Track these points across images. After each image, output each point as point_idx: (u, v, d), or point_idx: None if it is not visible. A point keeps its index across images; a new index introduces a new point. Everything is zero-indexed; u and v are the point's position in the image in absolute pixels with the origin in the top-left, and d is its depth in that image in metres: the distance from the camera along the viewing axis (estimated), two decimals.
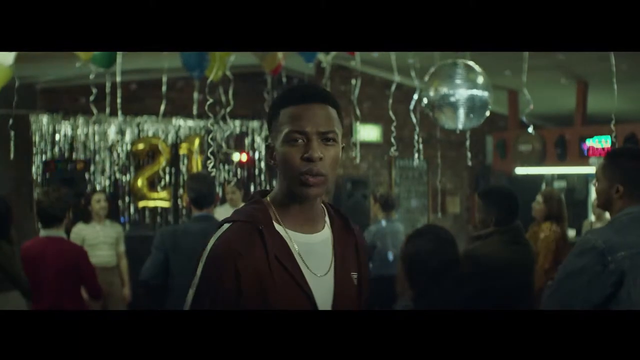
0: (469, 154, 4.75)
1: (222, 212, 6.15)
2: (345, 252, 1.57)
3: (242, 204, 6.14)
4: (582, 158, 7.93)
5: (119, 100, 4.38)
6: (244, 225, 1.50)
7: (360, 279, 1.57)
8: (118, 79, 4.28)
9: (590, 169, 7.87)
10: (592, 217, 6.42)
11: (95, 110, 4.49)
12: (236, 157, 8.15)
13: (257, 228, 1.48)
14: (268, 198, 1.57)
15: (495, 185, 7.10)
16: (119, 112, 4.48)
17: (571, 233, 7.17)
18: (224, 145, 7.94)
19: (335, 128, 1.49)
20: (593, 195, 8.90)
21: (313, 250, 1.52)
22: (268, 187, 8.46)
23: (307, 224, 1.54)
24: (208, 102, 4.26)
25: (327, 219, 1.60)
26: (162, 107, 4.74)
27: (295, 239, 1.51)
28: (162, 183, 7.96)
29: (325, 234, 1.56)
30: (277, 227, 1.51)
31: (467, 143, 4.66)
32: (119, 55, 4.14)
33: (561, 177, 9.17)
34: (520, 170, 8.59)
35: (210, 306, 1.46)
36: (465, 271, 3.02)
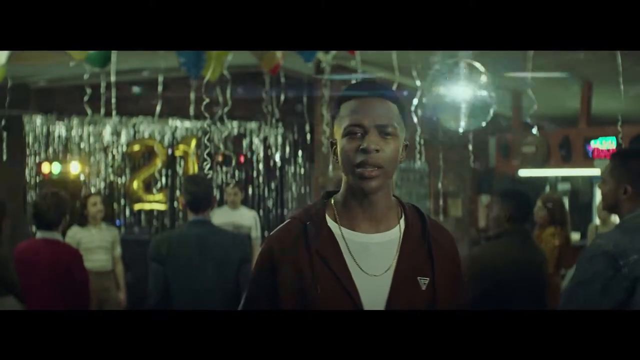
0: (472, 156, 4.75)
1: (220, 215, 6.16)
2: (414, 256, 1.55)
3: (242, 206, 6.07)
4: (587, 160, 7.93)
5: (113, 101, 4.37)
6: (294, 222, 1.57)
7: (434, 286, 1.54)
8: (112, 78, 4.27)
9: (595, 171, 7.87)
10: (597, 221, 6.41)
11: (89, 111, 4.48)
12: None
13: (304, 224, 1.54)
14: (333, 198, 1.61)
15: (510, 184, 7.15)
16: (114, 113, 4.47)
17: (575, 236, 7.17)
18: (221, 146, 7.94)
19: (394, 122, 1.52)
20: (598, 198, 8.94)
21: (370, 249, 1.53)
22: (266, 190, 8.48)
23: (368, 222, 1.55)
24: (204, 102, 4.25)
25: (402, 220, 1.59)
26: (158, 108, 4.74)
27: (349, 237, 1.53)
28: (158, 185, 7.96)
29: (392, 235, 1.56)
30: (331, 224, 1.55)
31: (470, 144, 4.66)
32: (114, 55, 4.13)
33: (565, 179, 9.18)
34: (523, 172, 8.59)
35: (258, 301, 1.56)
36: (475, 272, 3.03)
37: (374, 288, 1.50)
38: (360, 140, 1.50)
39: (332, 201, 1.60)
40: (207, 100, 4.24)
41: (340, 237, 1.54)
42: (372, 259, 1.52)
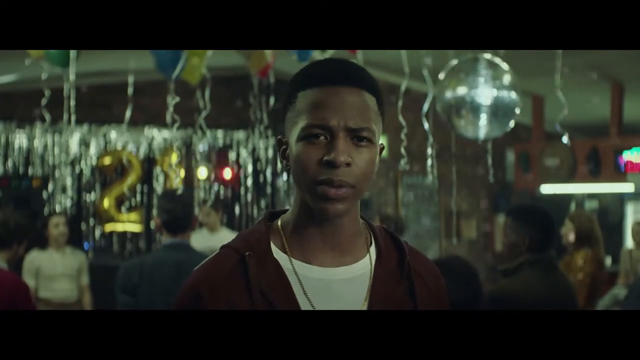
0: (491, 170, 4.72)
1: (197, 239, 6.11)
2: (391, 295, 1.34)
3: (221, 229, 5.92)
4: (618, 174, 7.94)
5: (73, 103, 4.28)
6: (228, 252, 1.34)
7: None
8: (72, 77, 4.15)
9: (628, 187, 7.87)
10: (631, 244, 6.40)
11: (48, 117, 4.39)
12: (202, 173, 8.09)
13: (242, 255, 1.32)
14: (280, 219, 1.39)
15: (527, 203, 7.05)
16: (73, 118, 4.36)
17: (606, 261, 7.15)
18: (198, 157, 7.93)
19: (371, 123, 1.28)
20: (630, 217, 8.89)
21: (332, 288, 1.31)
22: (255, 210, 8.45)
23: (328, 252, 1.33)
24: (173, 101, 4.11)
25: (372, 248, 1.38)
26: (128, 113, 4.67)
27: (303, 273, 1.31)
28: (133, 203, 7.94)
29: (360, 268, 1.34)
30: (279, 255, 1.33)
31: (489, 156, 4.63)
32: (75, 51, 4.05)
33: (593, 196, 9.18)
34: (546, 189, 8.59)
35: None
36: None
37: None
38: (324, 148, 1.25)
39: (280, 224, 1.38)
40: (176, 99, 4.12)
41: (292, 272, 1.31)
42: (335, 301, 1.30)
